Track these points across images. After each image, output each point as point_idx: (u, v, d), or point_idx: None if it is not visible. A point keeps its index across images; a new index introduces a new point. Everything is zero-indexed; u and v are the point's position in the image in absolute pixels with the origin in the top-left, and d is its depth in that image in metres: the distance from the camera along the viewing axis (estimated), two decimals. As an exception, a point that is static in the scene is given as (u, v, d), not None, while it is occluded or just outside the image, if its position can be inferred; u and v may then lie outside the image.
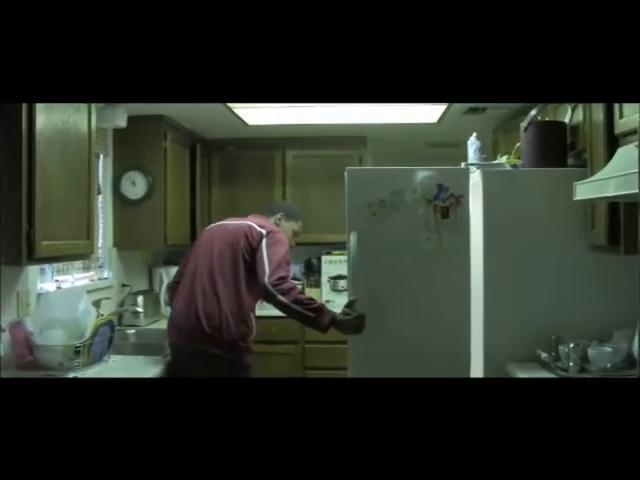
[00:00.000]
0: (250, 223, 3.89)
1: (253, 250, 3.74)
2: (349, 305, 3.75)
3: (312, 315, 3.60)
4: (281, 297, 3.58)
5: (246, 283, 3.75)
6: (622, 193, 2.55)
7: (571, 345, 3.32)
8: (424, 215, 3.89)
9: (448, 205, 3.88)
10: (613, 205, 3.16)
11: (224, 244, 3.83)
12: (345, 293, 6.14)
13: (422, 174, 3.90)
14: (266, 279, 3.60)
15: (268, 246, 3.72)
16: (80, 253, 3.61)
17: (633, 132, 2.90)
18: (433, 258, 3.88)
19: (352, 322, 3.66)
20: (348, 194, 3.99)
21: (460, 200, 3.84)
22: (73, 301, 3.59)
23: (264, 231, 3.80)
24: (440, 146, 6.79)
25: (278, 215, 4.20)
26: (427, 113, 5.29)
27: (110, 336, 3.77)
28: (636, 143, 2.72)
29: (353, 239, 3.87)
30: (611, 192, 2.68)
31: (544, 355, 3.46)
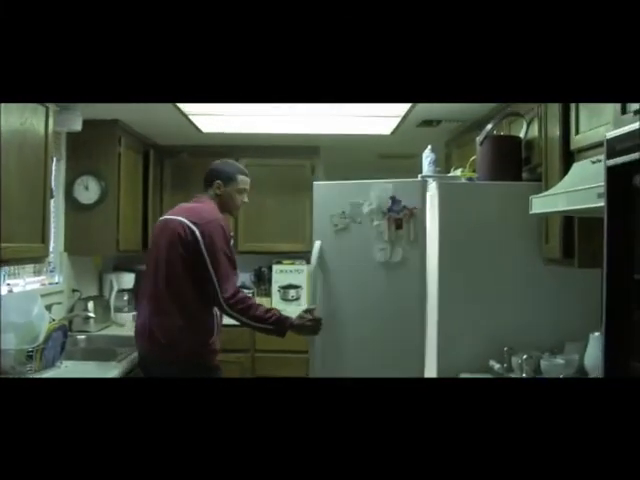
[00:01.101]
0: (182, 220, 3.62)
1: (192, 252, 3.53)
2: (307, 311, 3.78)
3: (271, 327, 3.60)
4: (239, 316, 3.55)
5: (194, 288, 3.58)
6: (579, 207, 2.60)
7: (524, 357, 3.36)
8: (378, 227, 3.96)
9: (402, 217, 3.91)
10: (568, 219, 3.21)
11: (163, 248, 3.64)
12: (295, 302, 6.22)
13: (377, 187, 3.96)
14: (220, 298, 3.51)
15: (207, 247, 3.52)
16: (34, 256, 3.57)
17: (588, 148, 2.96)
18: (387, 268, 3.94)
19: (308, 325, 3.70)
20: (314, 206, 4.15)
21: (414, 212, 3.88)
22: (27, 304, 3.55)
23: (197, 230, 3.55)
24: (392, 158, 6.85)
25: (215, 184, 3.86)
26: (381, 124, 5.33)
27: (63, 341, 3.73)
28: (592, 159, 2.80)
29: (316, 248, 4.00)
30: (568, 206, 2.72)
31: (497, 366, 3.50)
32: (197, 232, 3.55)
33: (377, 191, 3.98)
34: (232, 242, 3.73)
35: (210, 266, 3.51)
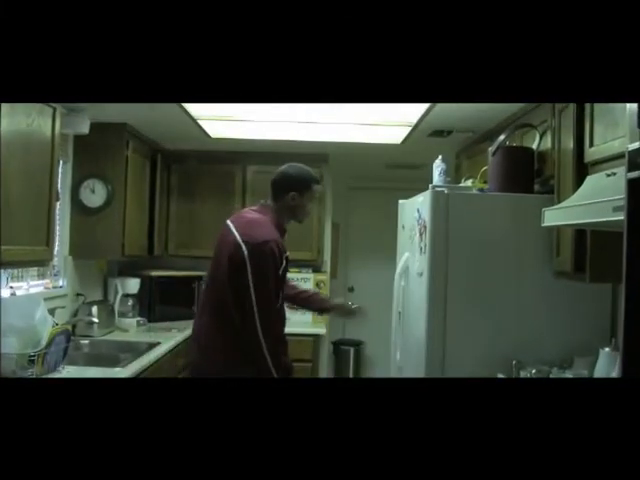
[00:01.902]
0: (236, 237, 3.37)
1: (238, 275, 3.30)
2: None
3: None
4: (266, 354, 3.30)
5: (241, 310, 3.31)
6: (594, 220, 2.56)
7: (533, 371, 3.33)
8: (413, 237, 4.11)
9: (420, 229, 3.92)
10: (580, 232, 3.17)
11: (218, 262, 3.46)
12: (299, 312, 6.25)
13: (411, 201, 4.17)
14: (259, 331, 3.27)
15: (253, 273, 3.27)
16: (38, 259, 3.54)
17: (603, 161, 2.92)
18: (413, 277, 4.08)
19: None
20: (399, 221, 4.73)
21: (425, 223, 3.85)
22: (30, 308, 3.51)
23: (246, 251, 3.29)
24: (399, 167, 6.82)
25: (290, 195, 3.54)
26: (391, 134, 5.30)
27: (65, 346, 3.69)
28: (607, 171, 2.75)
29: (402, 260, 4.41)
30: (582, 219, 2.68)
31: (505, 380, 3.47)
32: (245, 254, 3.31)
33: (410, 205, 4.18)
34: (285, 264, 3.44)
35: (253, 296, 3.28)
